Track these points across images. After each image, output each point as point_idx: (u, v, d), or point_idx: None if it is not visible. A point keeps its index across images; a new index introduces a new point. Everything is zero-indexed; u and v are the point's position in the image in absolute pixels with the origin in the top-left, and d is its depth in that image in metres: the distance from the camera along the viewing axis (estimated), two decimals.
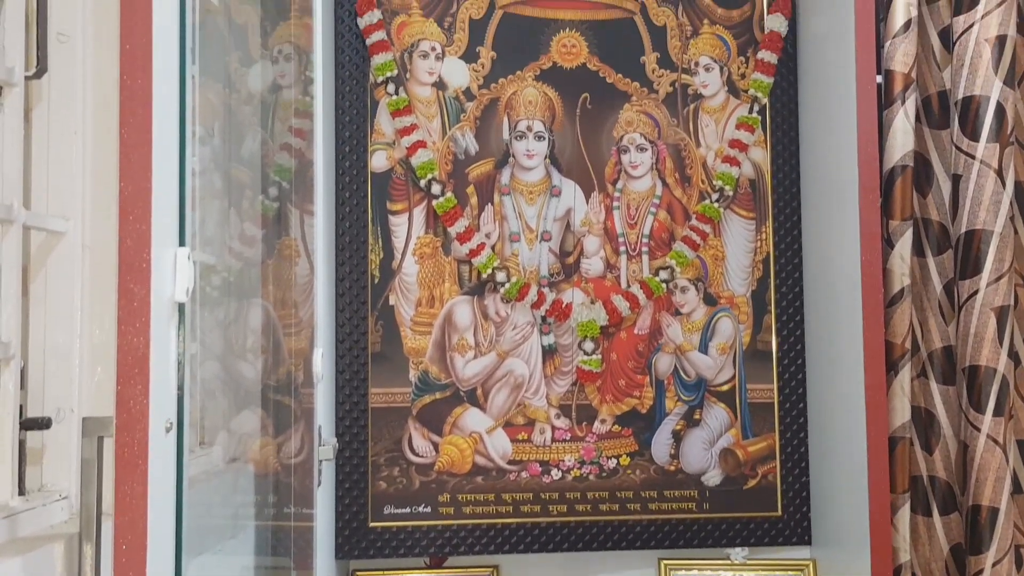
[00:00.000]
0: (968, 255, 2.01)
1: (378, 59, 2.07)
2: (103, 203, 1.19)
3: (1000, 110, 2.01)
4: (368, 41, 2.07)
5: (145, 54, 1.19)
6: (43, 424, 1.13)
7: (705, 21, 2.19)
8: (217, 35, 1.64)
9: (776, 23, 2.17)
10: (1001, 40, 2.01)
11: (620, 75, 2.16)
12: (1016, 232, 2.07)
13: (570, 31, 2.16)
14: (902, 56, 2.02)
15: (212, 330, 1.59)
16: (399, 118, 2.08)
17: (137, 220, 1.15)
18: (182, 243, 1.19)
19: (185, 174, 1.20)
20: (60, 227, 1.19)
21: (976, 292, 2.00)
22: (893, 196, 2.03)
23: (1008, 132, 2.01)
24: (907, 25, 2.02)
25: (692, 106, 2.18)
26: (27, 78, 1.18)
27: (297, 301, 1.93)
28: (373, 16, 2.07)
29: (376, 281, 2.09)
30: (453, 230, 2.08)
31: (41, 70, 1.19)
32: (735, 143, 2.15)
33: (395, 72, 2.08)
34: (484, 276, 2.09)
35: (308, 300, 1.95)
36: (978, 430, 1.98)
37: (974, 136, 2.01)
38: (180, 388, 1.18)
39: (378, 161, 2.10)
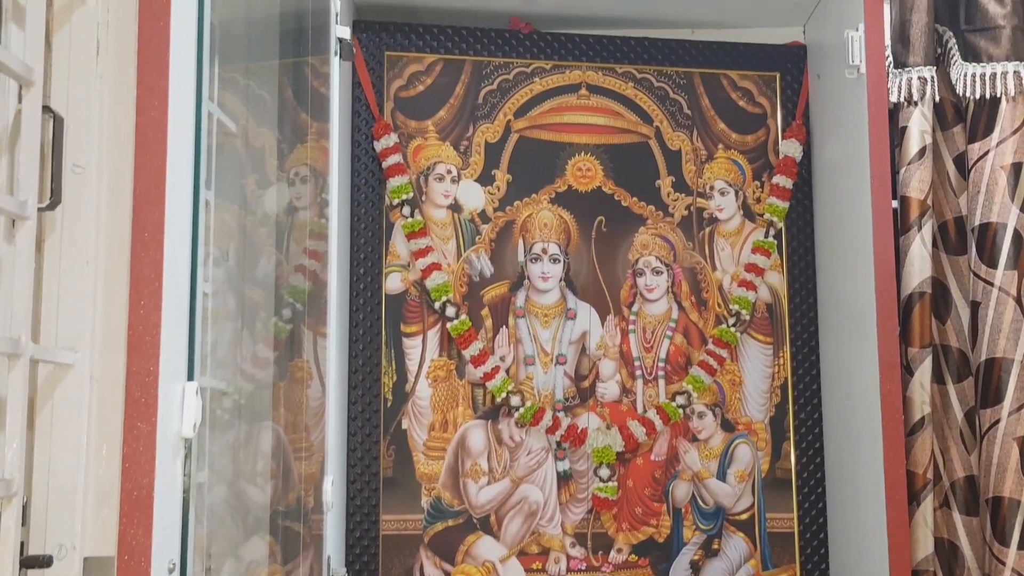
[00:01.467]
0: (989, 384, 1.98)
1: (394, 182, 2.08)
2: (113, 335, 1.19)
3: (1017, 237, 1.99)
4: (384, 164, 2.09)
5: (158, 185, 1.19)
6: (44, 562, 1.11)
7: (720, 146, 2.20)
8: (234, 158, 1.65)
9: (791, 148, 2.18)
10: (1017, 167, 2.00)
11: (635, 198, 2.17)
12: None
13: (585, 155, 2.17)
14: (917, 183, 2.02)
15: (222, 454, 1.56)
16: (414, 240, 2.08)
17: (145, 356, 1.14)
18: (191, 377, 1.17)
19: (196, 307, 1.19)
20: (68, 359, 1.18)
21: (998, 421, 1.97)
22: (911, 323, 2.01)
23: None
24: (922, 152, 2.02)
25: (708, 230, 2.18)
26: (40, 210, 1.18)
27: (308, 425, 1.91)
28: (390, 140, 2.09)
29: (389, 404, 2.07)
30: (467, 353, 2.06)
31: (55, 202, 1.19)
32: (751, 267, 2.15)
33: (411, 195, 2.09)
34: (498, 400, 2.07)
35: (320, 424, 1.93)
36: (1003, 564, 1.92)
37: (992, 263, 2.00)
38: (184, 526, 1.15)
39: (393, 283, 2.09)
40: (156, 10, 1.22)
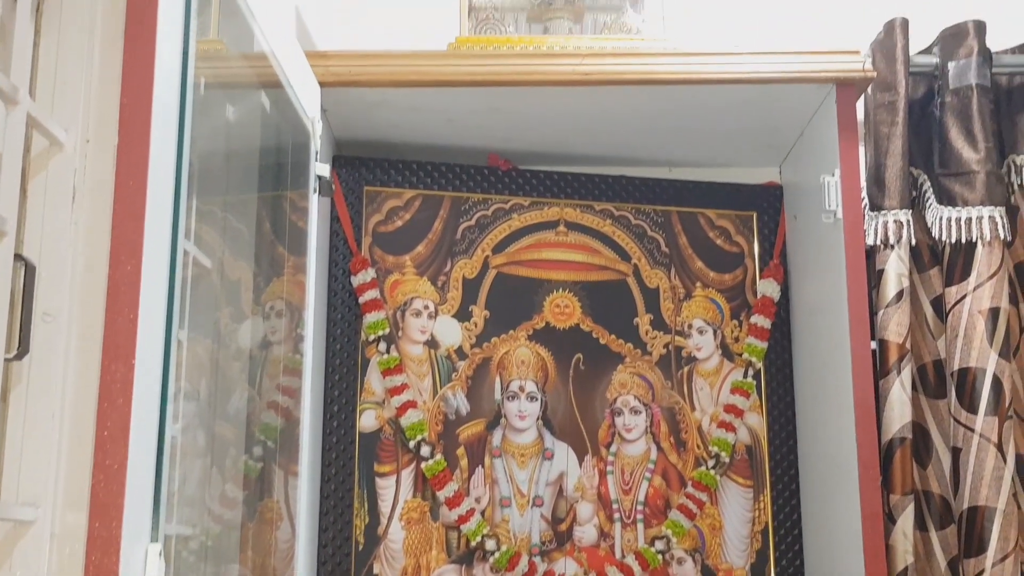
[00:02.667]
0: (972, 533, 1.95)
1: (370, 318, 2.06)
2: (76, 491, 1.14)
3: (997, 383, 1.98)
4: (361, 300, 2.07)
5: (129, 339, 1.16)
6: None
7: (698, 284, 2.19)
8: (209, 293, 1.63)
9: (768, 288, 2.18)
10: (994, 312, 2.00)
11: (613, 336, 2.15)
12: (1020, 508, 2.01)
13: (563, 291, 2.16)
14: (895, 326, 2.01)
15: None
16: (390, 377, 2.05)
17: (108, 517, 1.09)
18: (154, 539, 1.13)
19: (163, 466, 1.15)
20: (29, 516, 1.13)
21: (982, 572, 1.92)
22: (893, 469, 1.98)
23: (1006, 405, 1.98)
24: (899, 295, 2.02)
25: (686, 368, 2.16)
26: (7, 360, 1.15)
27: (276, 568, 1.84)
28: (367, 275, 2.07)
29: (360, 548, 2.01)
30: (442, 494, 2.02)
31: (23, 351, 1.16)
32: (730, 408, 2.12)
33: (387, 330, 2.07)
34: (473, 543, 2.01)
35: (289, 567, 1.87)
36: None
37: (972, 409, 1.98)
38: None
39: (367, 420, 2.05)
40: (135, 157, 1.21)
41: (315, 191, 1.84)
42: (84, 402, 1.16)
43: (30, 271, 1.16)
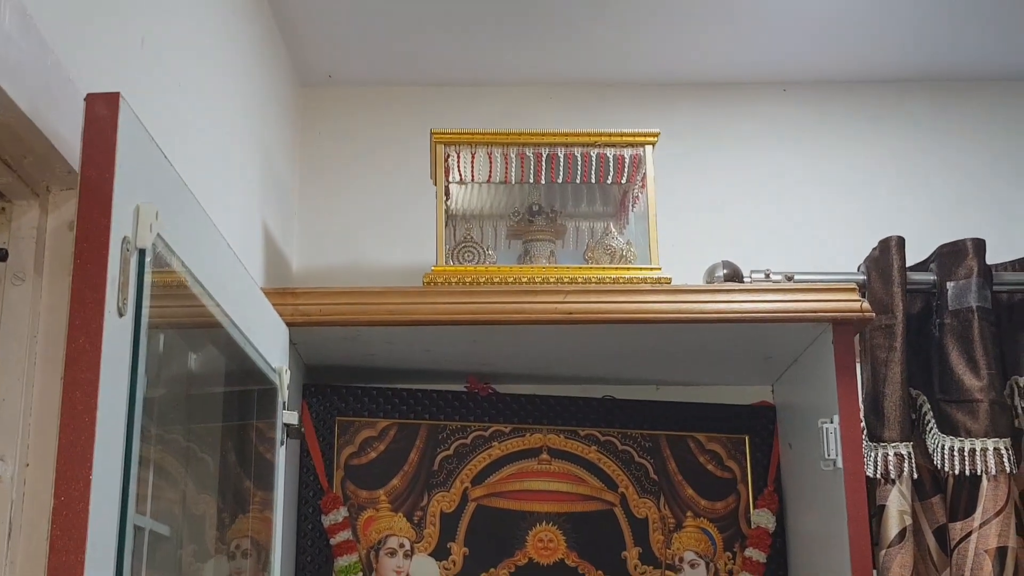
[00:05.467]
0: None
1: (342, 561, 1.93)
2: None
3: None
4: (332, 541, 1.94)
5: None
6: None
7: (689, 513, 2.08)
8: (172, 536, 1.51)
9: (763, 519, 2.06)
10: (1002, 552, 1.90)
11: (601, 572, 2.03)
12: None
13: (547, 524, 2.04)
14: (899, 568, 1.90)
15: None
16: None
17: None
18: None
19: None
20: None
21: None
22: None
23: None
24: (902, 534, 1.91)
25: None
26: None
27: None
28: (339, 515, 1.95)
29: None
30: None
31: None
32: None
33: (360, 574, 1.94)
34: None
35: None
36: None
37: None
38: None
39: None
40: (76, 484, 1.10)
41: (282, 443, 1.73)
42: None
43: None
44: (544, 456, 2.07)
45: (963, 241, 2.04)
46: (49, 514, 1.11)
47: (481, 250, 1.94)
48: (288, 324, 1.77)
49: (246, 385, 1.81)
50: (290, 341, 1.83)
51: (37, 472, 1.12)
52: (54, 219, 1.18)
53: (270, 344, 1.70)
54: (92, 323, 1.07)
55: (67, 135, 1.12)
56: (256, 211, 1.95)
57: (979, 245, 2.04)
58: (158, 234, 1.15)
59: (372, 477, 2.01)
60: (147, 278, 1.13)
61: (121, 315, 1.08)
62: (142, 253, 1.12)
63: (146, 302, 1.14)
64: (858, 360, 1.96)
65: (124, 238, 1.09)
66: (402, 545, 1.99)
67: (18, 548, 1.10)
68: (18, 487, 1.12)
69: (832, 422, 1.77)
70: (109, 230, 1.08)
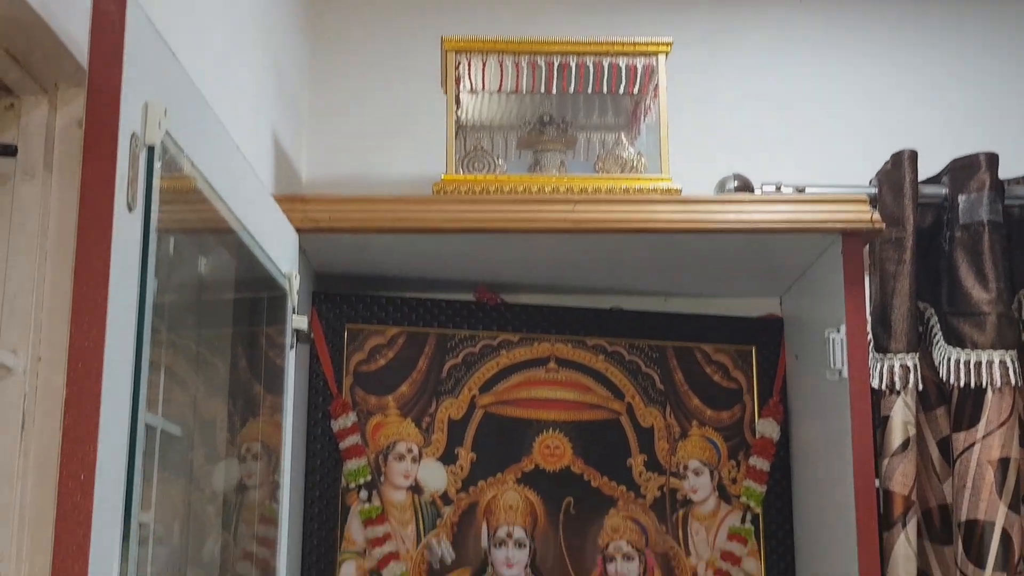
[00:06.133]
0: None
1: (351, 464, 1.96)
2: None
3: (1006, 537, 1.89)
4: (342, 445, 1.97)
5: None
6: None
7: (694, 423, 2.10)
8: (181, 451, 1.54)
9: (768, 428, 2.08)
10: (1004, 463, 1.92)
11: (606, 478, 2.06)
12: None
13: (554, 432, 2.06)
14: (901, 476, 1.92)
15: None
16: (371, 527, 1.95)
17: None
18: None
19: None
20: None
21: None
22: None
23: (1015, 561, 1.89)
24: (905, 443, 1.93)
25: (681, 512, 2.06)
26: None
27: None
28: (348, 420, 1.97)
29: None
30: None
31: None
32: (727, 555, 2.03)
33: (369, 478, 1.97)
34: None
35: None
36: None
37: (979, 563, 1.89)
38: None
39: (347, 572, 1.95)
40: (86, 382, 1.12)
41: (292, 347, 1.75)
42: None
43: None
44: (551, 365, 2.09)
45: (976, 155, 2.03)
46: (61, 407, 1.13)
47: (491, 160, 1.93)
48: (297, 230, 1.77)
49: (256, 291, 1.82)
50: (300, 248, 1.84)
51: (49, 366, 1.14)
52: (63, 116, 1.18)
53: (280, 249, 1.70)
54: (102, 217, 1.08)
55: (76, 32, 1.12)
56: (265, 119, 1.94)
57: (992, 159, 2.02)
58: (167, 131, 1.15)
59: (381, 384, 2.03)
60: (156, 175, 1.14)
61: (131, 210, 1.09)
62: (151, 150, 1.13)
63: (155, 198, 1.14)
64: (866, 273, 1.96)
65: (133, 134, 1.10)
66: (410, 450, 2.02)
67: (31, 439, 1.12)
68: (30, 380, 1.13)
69: (839, 332, 1.78)
70: (118, 125, 1.08)
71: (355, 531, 1.97)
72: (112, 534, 1.12)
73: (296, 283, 1.72)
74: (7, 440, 1.13)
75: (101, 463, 1.11)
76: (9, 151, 1.15)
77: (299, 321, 1.76)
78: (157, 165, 1.13)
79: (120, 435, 1.15)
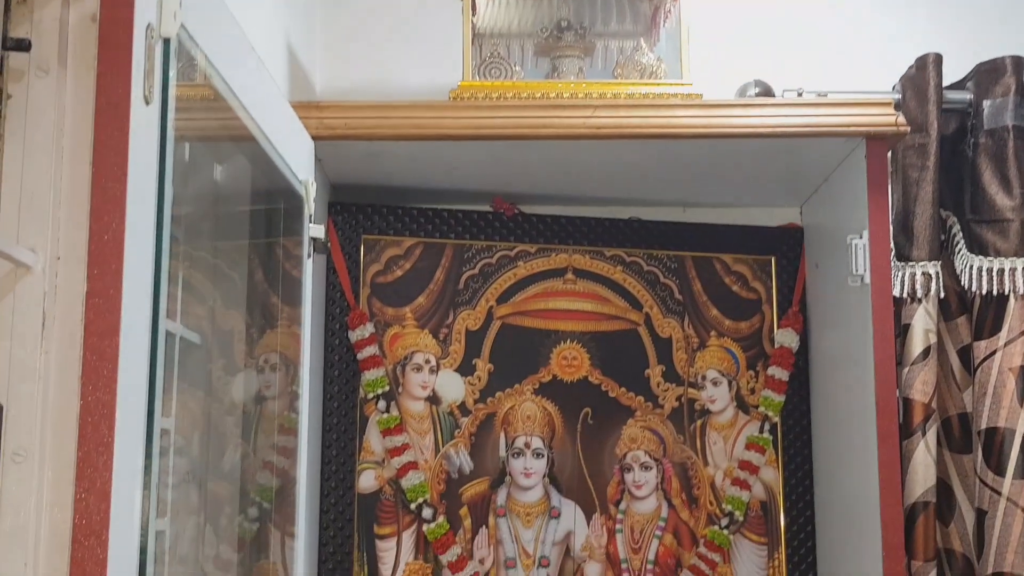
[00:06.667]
0: None
1: (369, 375, 1.96)
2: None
3: None
4: (359, 356, 1.97)
5: (105, 474, 1.07)
6: None
7: (712, 333, 2.09)
8: (200, 358, 1.54)
9: (787, 338, 2.07)
10: None
11: (623, 389, 2.05)
12: None
13: (571, 343, 2.06)
14: (921, 385, 1.92)
15: None
16: (389, 437, 1.95)
17: None
18: None
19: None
20: None
21: None
22: (916, 534, 1.89)
23: None
24: (926, 352, 1.92)
25: (699, 422, 2.06)
26: None
27: None
28: (365, 330, 1.97)
29: None
30: (444, 558, 1.93)
31: None
32: (745, 464, 2.03)
33: (387, 388, 1.97)
34: None
35: None
36: None
37: (999, 471, 1.89)
38: None
39: (366, 481, 1.96)
40: (107, 278, 1.11)
41: (309, 256, 1.73)
42: (59, 551, 1.07)
43: None
44: (569, 276, 2.08)
45: (1002, 59, 1.99)
46: (82, 305, 1.12)
47: (508, 66, 1.90)
48: (313, 138, 1.75)
49: (272, 202, 1.81)
50: (316, 158, 1.82)
51: (68, 265, 1.13)
52: (76, 10, 1.16)
53: (296, 155, 1.68)
54: (119, 111, 1.06)
55: None
56: (279, 25, 1.91)
57: (1018, 63, 1.98)
58: (182, 24, 1.13)
59: (398, 295, 2.03)
60: (172, 68, 1.12)
61: (147, 103, 1.07)
62: (166, 42, 1.10)
63: (171, 93, 1.12)
64: (888, 182, 1.93)
65: (148, 25, 1.07)
66: (428, 361, 2.02)
67: (52, 337, 1.11)
68: (50, 279, 1.12)
69: (861, 238, 1.76)
70: (132, 16, 1.06)
71: (374, 441, 1.97)
72: (135, 431, 1.12)
73: (313, 190, 1.70)
74: (29, 339, 1.12)
75: (123, 360, 1.11)
76: (23, 46, 1.13)
77: (316, 230, 1.75)
78: (173, 57, 1.11)
79: (141, 334, 1.15)
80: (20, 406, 1.10)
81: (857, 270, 1.77)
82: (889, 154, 1.89)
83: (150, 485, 1.14)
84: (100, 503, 1.06)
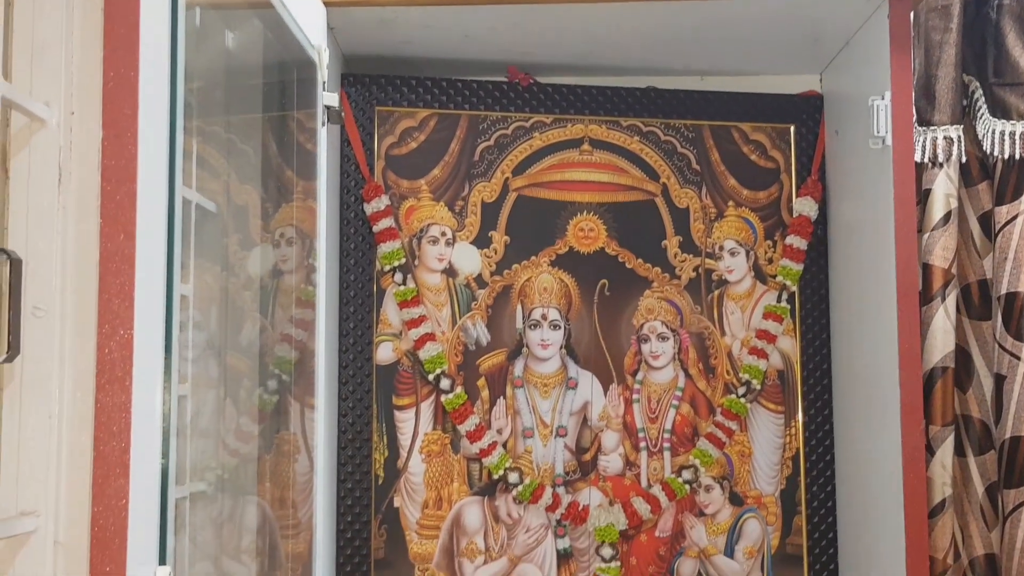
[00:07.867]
0: (1013, 464, 1.88)
1: (385, 247, 1.95)
2: (77, 495, 1.07)
3: None
4: (375, 228, 1.96)
5: (126, 340, 1.07)
6: None
7: (730, 203, 2.07)
8: (216, 229, 1.54)
9: (805, 207, 2.05)
10: None
11: (640, 260, 2.05)
12: None
13: (588, 214, 2.04)
14: (941, 250, 1.91)
15: (204, 528, 1.47)
16: (407, 309, 1.96)
17: (112, 537, 1.03)
18: (162, 561, 1.06)
19: (169, 487, 1.08)
20: (29, 526, 1.07)
21: (1022, 504, 1.87)
22: (933, 400, 1.90)
23: None
24: (947, 217, 1.91)
25: (716, 292, 2.06)
26: None
27: (296, 501, 1.80)
28: (380, 203, 1.96)
29: (380, 482, 1.95)
30: (463, 428, 1.95)
31: (13, 353, 1.07)
32: (762, 334, 2.03)
33: (403, 260, 1.97)
34: (495, 476, 1.96)
35: (308, 500, 1.82)
36: None
37: (1019, 336, 1.89)
38: None
39: (384, 353, 1.97)
40: (122, 127, 1.10)
41: (323, 124, 1.72)
42: (82, 399, 1.08)
43: (16, 265, 1.07)
44: (585, 147, 2.06)
45: None
46: (98, 159, 1.11)
47: None
48: (325, 4, 1.72)
49: (285, 73, 1.78)
50: (328, 26, 1.78)
51: (81, 120, 1.12)
52: None
53: (308, 20, 1.65)
54: None
55: None
56: None
57: None
58: None
59: (413, 167, 2.01)
60: None
61: None
62: None
63: None
64: (911, 42, 1.89)
65: None
66: (444, 233, 2.01)
67: (69, 191, 1.11)
68: (65, 134, 1.11)
69: (883, 99, 1.73)
70: None
71: (391, 313, 1.98)
72: (155, 284, 1.12)
73: (326, 56, 1.68)
74: (45, 193, 1.12)
75: (141, 216, 1.10)
76: None
77: (330, 98, 1.73)
78: None
79: (158, 190, 1.14)
80: (38, 261, 1.10)
81: (879, 132, 1.74)
82: (912, 16, 1.85)
83: (171, 336, 1.14)
84: (123, 351, 1.07)
